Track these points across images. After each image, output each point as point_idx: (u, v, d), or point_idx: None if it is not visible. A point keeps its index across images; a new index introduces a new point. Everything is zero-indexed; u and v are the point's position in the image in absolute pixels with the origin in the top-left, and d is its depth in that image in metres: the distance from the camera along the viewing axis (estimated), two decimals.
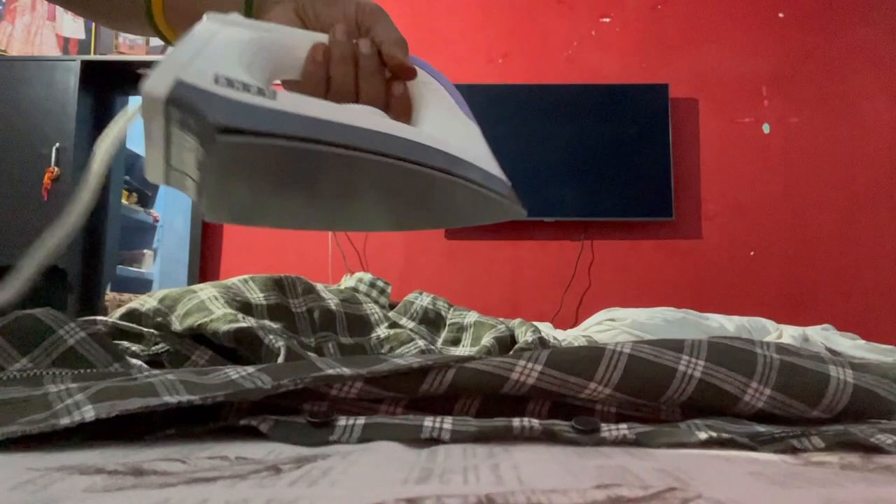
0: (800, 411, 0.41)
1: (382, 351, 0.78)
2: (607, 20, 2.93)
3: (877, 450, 0.33)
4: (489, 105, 2.81)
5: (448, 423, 0.36)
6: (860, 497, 0.24)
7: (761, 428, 0.38)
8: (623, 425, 0.37)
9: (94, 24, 3.00)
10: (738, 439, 0.34)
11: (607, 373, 0.39)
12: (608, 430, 0.36)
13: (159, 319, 0.66)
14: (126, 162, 3.13)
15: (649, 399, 0.40)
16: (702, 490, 0.24)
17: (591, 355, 0.40)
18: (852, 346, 1.35)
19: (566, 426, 0.36)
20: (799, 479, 0.27)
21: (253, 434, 0.35)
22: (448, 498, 0.23)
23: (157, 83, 0.34)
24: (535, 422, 0.36)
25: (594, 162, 2.76)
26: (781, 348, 0.43)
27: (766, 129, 2.85)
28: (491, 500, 0.23)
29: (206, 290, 0.71)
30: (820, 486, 0.25)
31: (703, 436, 0.35)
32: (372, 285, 1.00)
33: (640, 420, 0.40)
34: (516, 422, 0.36)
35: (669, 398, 0.40)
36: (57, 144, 2.59)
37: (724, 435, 0.35)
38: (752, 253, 2.79)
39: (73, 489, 0.24)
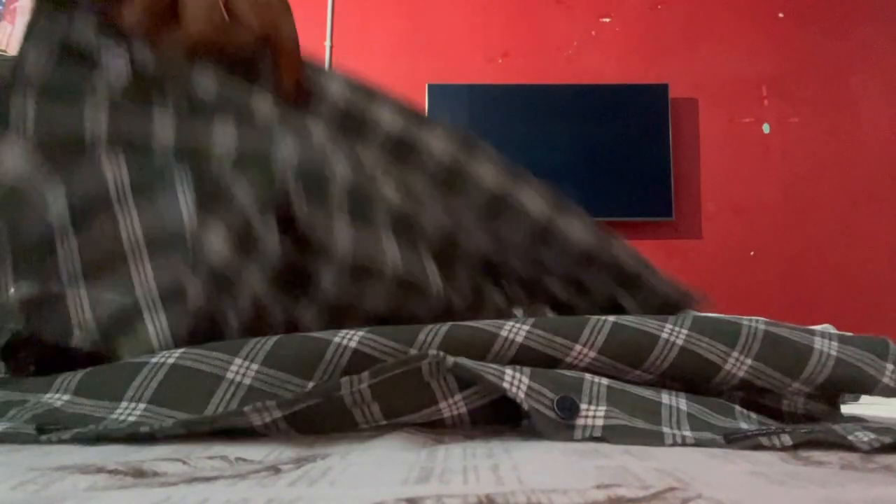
0: (781, 382, 0.41)
1: None
2: (607, 20, 2.93)
3: (852, 448, 0.33)
4: (489, 105, 2.81)
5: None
6: (860, 497, 0.24)
7: (744, 424, 0.38)
8: (601, 409, 0.37)
9: None
10: (704, 439, 0.35)
11: (592, 335, 0.40)
12: (585, 414, 0.37)
13: None
14: None
15: (632, 365, 0.41)
16: (702, 490, 0.24)
17: (577, 321, 0.41)
18: None
19: (548, 401, 0.37)
20: (799, 478, 0.27)
21: (253, 434, 0.36)
22: (448, 498, 0.23)
23: None
24: (524, 385, 0.37)
25: (594, 162, 2.76)
26: (770, 322, 0.43)
27: (766, 129, 2.85)
28: (491, 500, 0.23)
29: None
30: (820, 486, 0.26)
31: (668, 440, 0.35)
32: None
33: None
34: (507, 376, 0.36)
35: (652, 364, 0.41)
36: None
37: (689, 439, 0.35)
38: (752, 253, 2.79)
39: (74, 488, 0.24)
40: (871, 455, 0.33)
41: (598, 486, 0.25)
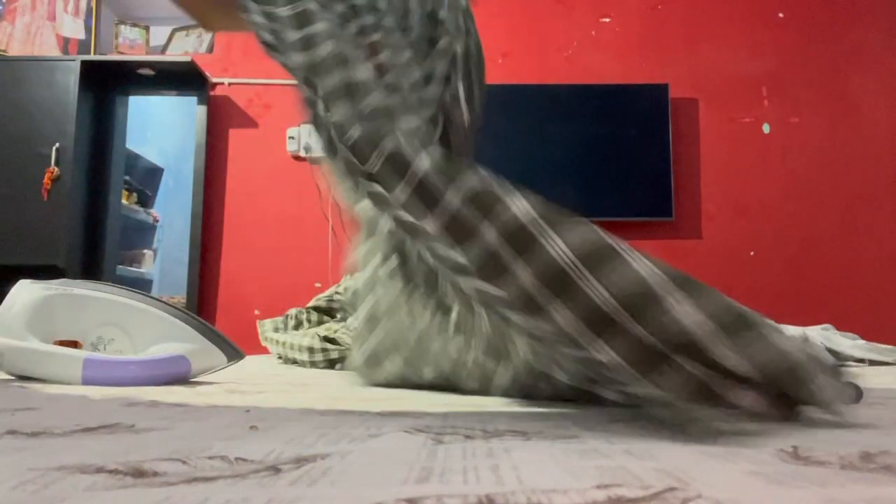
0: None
1: None
2: (607, 20, 2.93)
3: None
4: (489, 105, 2.81)
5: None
6: (860, 497, 0.24)
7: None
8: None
9: (93, 24, 3.00)
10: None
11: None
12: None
13: None
14: (126, 162, 3.13)
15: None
16: (702, 490, 0.24)
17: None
18: (852, 346, 1.35)
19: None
20: (799, 478, 0.27)
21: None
22: (448, 498, 0.23)
23: None
24: None
25: (594, 162, 2.76)
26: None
27: (766, 129, 2.85)
28: (491, 500, 0.23)
29: None
30: (820, 486, 0.26)
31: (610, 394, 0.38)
32: None
33: None
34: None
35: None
36: (57, 144, 2.59)
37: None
38: (752, 253, 2.79)
39: (74, 488, 0.24)
40: (871, 455, 0.33)
41: (598, 486, 0.25)
